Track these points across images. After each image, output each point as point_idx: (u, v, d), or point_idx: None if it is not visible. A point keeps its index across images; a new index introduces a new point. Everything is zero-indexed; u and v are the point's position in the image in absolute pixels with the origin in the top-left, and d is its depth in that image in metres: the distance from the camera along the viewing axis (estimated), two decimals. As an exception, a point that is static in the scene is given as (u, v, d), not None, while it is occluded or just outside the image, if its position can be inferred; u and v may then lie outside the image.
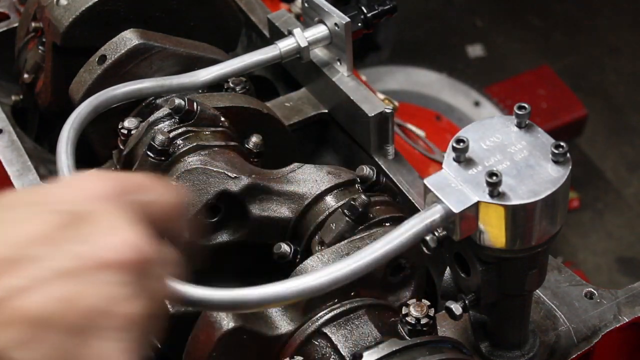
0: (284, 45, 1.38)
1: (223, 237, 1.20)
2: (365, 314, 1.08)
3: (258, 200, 1.20)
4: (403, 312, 1.04)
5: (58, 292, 0.68)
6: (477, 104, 2.77)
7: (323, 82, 1.43)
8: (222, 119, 1.28)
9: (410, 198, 1.32)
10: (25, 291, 0.67)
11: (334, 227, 1.15)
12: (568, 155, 0.96)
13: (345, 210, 1.14)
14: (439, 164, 1.49)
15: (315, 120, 1.47)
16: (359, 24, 1.40)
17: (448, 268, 1.08)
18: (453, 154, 0.97)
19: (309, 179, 1.22)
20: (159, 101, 1.34)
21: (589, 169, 3.34)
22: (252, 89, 1.42)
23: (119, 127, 1.31)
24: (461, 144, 0.96)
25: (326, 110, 1.46)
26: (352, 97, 1.38)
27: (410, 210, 1.26)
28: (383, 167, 1.36)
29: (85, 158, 1.33)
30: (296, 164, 1.24)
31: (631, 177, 3.34)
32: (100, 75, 1.34)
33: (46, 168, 1.48)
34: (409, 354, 0.99)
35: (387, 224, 1.15)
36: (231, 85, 1.39)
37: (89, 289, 0.69)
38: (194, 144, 1.22)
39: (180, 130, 1.24)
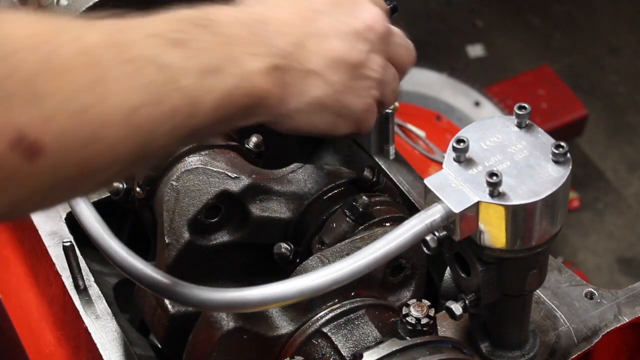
0: (284, 45, 1.38)
1: (223, 237, 1.20)
2: (365, 314, 1.08)
3: (258, 201, 1.20)
4: (403, 312, 1.04)
5: (345, 43, 1.02)
6: (477, 104, 2.77)
7: (323, 82, 1.43)
8: (222, 119, 1.27)
9: (410, 198, 1.32)
10: (325, 36, 1.01)
11: (334, 227, 1.15)
12: (568, 155, 0.96)
13: (346, 210, 1.15)
14: (439, 164, 1.49)
15: (316, 120, 1.47)
16: (359, 24, 1.40)
17: (448, 268, 1.08)
18: (453, 154, 0.97)
19: (309, 179, 1.22)
20: (159, 101, 1.34)
21: (589, 169, 3.34)
22: (252, 89, 1.41)
23: (119, 127, 1.31)
24: (461, 144, 0.96)
25: (326, 110, 1.46)
26: (352, 97, 1.38)
27: (410, 210, 1.26)
28: (383, 167, 1.36)
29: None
30: (296, 164, 1.24)
31: (631, 177, 3.34)
32: (101, 75, 1.34)
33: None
34: (409, 354, 0.99)
35: (388, 224, 1.15)
36: (231, 85, 1.39)
37: (360, 44, 1.04)
38: (194, 144, 1.22)
39: (180, 130, 1.24)
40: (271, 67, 0.94)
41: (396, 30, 1.11)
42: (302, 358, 1.04)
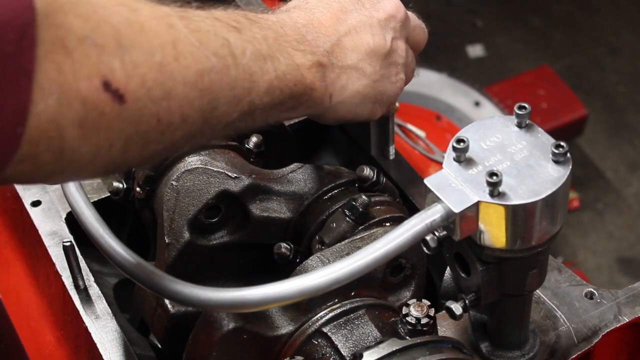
0: (284, 45, 1.38)
1: (223, 237, 1.20)
2: (365, 314, 1.08)
3: (258, 201, 1.20)
4: (403, 312, 1.04)
5: (374, 35, 1.12)
6: (477, 104, 2.77)
7: (323, 82, 1.43)
8: (222, 119, 1.27)
9: (410, 198, 1.32)
10: (357, 32, 1.11)
11: (334, 227, 1.15)
12: (568, 155, 0.96)
13: (346, 210, 1.14)
14: (439, 164, 1.49)
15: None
16: (359, 24, 1.40)
17: (448, 268, 1.08)
18: (453, 154, 0.97)
19: (309, 179, 1.22)
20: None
21: (589, 169, 3.34)
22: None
23: (119, 127, 1.31)
24: (461, 143, 0.96)
25: (326, 110, 1.46)
26: (352, 97, 1.37)
27: (410, 210, 1.26)
28: (383, 167, 1.36)
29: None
30: (296, 164, 1.24)
31: (631, 177, 3.34)
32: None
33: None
34: (409, 353, 0.99)
35: (388, 224, 1.15)
36: (231, 85, 1.39)
37: (386, 33, 1.14)
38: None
39: (180, 130, 1.24)
40: (316, 64, 1.05)
41: (411, 14, 1.20)
42: (302, 358, 1.04)
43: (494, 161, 0.97)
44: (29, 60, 0.74)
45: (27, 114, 0.74)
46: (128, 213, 1.39)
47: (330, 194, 1.20)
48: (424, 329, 1.03)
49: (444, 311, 1.06)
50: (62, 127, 0.77)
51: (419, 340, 1.00)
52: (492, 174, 0.93)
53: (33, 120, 0.75)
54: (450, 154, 0.97)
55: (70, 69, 0.76)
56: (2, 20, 0.71)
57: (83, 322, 1.23)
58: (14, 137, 0.74)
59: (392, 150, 1.38)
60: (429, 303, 1.04)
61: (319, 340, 1.07)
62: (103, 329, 1.21)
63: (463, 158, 0.97)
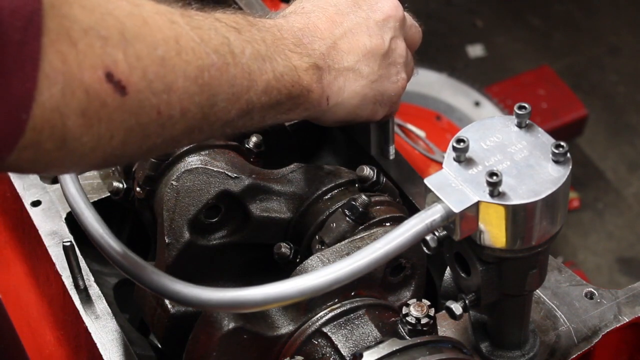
0: (284, 45, 1.37)
1: (223, 237, 1.20)
2: (365, 314, 1.08)
3: (258, 201, 1.20)
4: (403, 312, 1.04)
5: (371, 36, 1.14)
6: (477, 104, 2.77)
7: (323, 82, 1.43)
8: (222, 119, 1.27)
9: (411, 198, 1.32)
10: (353, 35, 1.13)
11: (334, 227, 1.15)
12: (568, 155, 0.96)
13: (346, 210, 1.14)
14: (439, 164, 1.49)
15: (316, 120, 1.46)
16: (359, 24, 1.40)
17: (448, 268, 1.08)
18: (453, 154, 0.97)
19: (309, 179, 1.22)
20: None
21: (589, 169, 3.34)
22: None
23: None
24: (461, 143, 0.96)
25: (326, 110, 1.46)
26: (352, 97, 1.37)
27: (410, 210, 1.26)
28: (383, 167, 1.36)
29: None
30: (296, 164, 1.24)
31: (631, 177, 3.34)
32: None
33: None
34: (409, 353, 0.99)
35: (388, 224, 1.15)
36: (231, 85, 1.39)
37: (384, 34, 1.15)
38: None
39: (180, 130, 1.24)
40: (312, 66, 1.07)
41: (405, 13, 1.21)
42: (302, 358, 1.04)
43: (494, 161, 0.97)
44: (35, 48, 0.75)
45: (32, 102, 0.75)
46: (128, 213, 1.39)
47: (330, 194, 1.20)
48: (424, 329, 1.03)
49: (444, 311, 1.06)
50: (65, 115, 0.78)
51: (419, 340, 1.00)
52: (492, 174, 0.93)
53: (37, 108, 0.76)
54: (450, 154, 0.97)
55: (74, 59, 0.77)
56: (10, 8, 0.73)
57: (83, 322, 1.22)
58: (18, 124, 0.75)
59: (392, 150, 1.38)
60: (429, 303, 1.04)
61: (319, 340, 1.07)
62: (103, 329, 1.21)
63: (463, 158, 0.97)
